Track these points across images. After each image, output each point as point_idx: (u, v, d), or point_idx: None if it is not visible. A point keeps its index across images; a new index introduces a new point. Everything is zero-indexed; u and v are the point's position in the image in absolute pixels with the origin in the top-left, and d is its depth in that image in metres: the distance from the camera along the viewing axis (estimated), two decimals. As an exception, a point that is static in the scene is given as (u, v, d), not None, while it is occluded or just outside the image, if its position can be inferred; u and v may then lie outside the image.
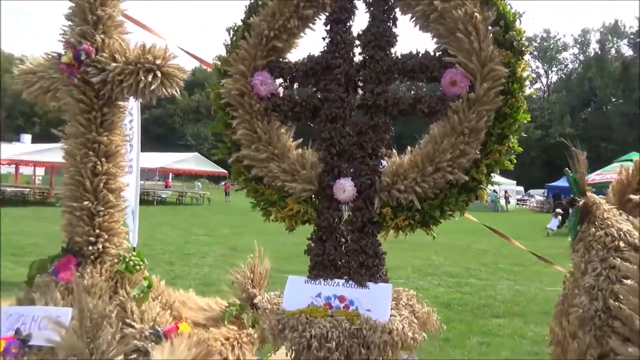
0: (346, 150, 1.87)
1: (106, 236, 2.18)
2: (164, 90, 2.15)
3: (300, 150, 1.97)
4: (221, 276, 10.01)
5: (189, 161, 29.79)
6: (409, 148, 1.88)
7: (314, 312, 1.70)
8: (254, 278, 2.56)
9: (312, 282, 1.85)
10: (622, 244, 1.47)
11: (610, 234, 1.50)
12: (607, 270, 1.43)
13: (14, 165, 27.87)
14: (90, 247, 2.13)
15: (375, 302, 1.72)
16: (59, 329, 1.57)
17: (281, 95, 1.98)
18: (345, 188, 1.83)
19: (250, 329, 2.43)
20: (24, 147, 26.58)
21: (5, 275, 7.49)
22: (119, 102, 2.25)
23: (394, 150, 1.89)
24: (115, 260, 2.20)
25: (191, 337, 2.03)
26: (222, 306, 2.60)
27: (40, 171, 33.11)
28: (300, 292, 1.84)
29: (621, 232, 1.51)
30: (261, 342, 2.49)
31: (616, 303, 1.28)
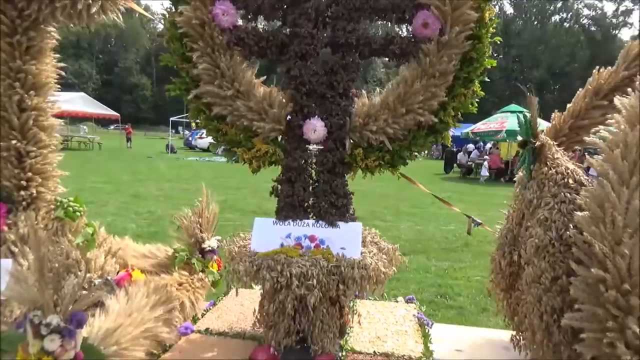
0: (316, 90, 1.82)
1: (39, 180, 1.93)
2: (103, 15, 1.90)
3: (265, 88, 1.88)
4: (126, 224, 9.55)
5: (75, 101, 26.94)
6: (377, 89, 1.89)
7: (288, 252, 1.70)
8: (202, 222, 2.47)
9: (281, 223, 1.84)
10: (570, 180, 1.66)
11: (560, 172, 1.68)
12: (559, 204, 1.62)
13: None
14: (22, 192, 1.88)
15: (347, 240, 1.76)
16: (15, 281, 1.39)
17: (244, 28, 1.85)
18: (316, 128, 1.80)
19: (200, 273, 2.38)
20: None
21: None
22: (48, 27, 1.94)
23: (363, 91, 1.89)
24: (52, 206, 1.98)
25: (147, 283, 1.93)
26: (166, 252, 2.50)
27: None
28: (269, 234, 1.82)
29: (569, 171, 1.70)
30: (213, 286, 2.46)
31: (574, 231, 1.46)
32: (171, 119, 31.57)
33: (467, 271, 4.80)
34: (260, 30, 1.85)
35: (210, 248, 2.46)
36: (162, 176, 18.06)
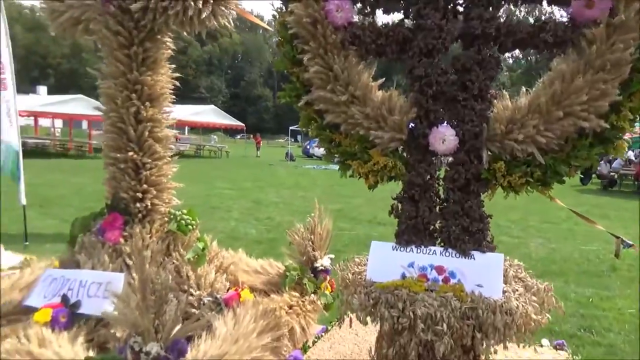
0: (444, 92, 1.53)
1: (154, 192, 1.91)
2: (214, 20, 1.81)
3: (383, 92, 1.63)
4: (247, 230, 9.95)
5: (206, 113, 29.39)
6: (523, 89, 1.53)
7: (411, 285, 1.43)
8: (314, 240, 2.30)
9: (402, 248, 1.57)
10: None
11: None
12: None
13: (33, 117, 27.87)
14: (138, 204, 1.87)
15: (484, 275, 1.44)
16: (117, 302, 1.32)
17: (360, 24, 1.62)
18: (445, 137, 1.50)
19: (312, 295, 2.21)
20: (41, 99, 26.42)
21: (32, 227, 7.44)
22: (163, 37, 1.92)
23: (504, 92, 1.55)
24: (166, 219, 1.95)
25: (256, 306, 1.80)
26: (278, 269, 2.37)
27: (59, 123, 33.14)
28: (388, 261, 1.56)
29: None
30: (325, 309, 2.27)
31: None
32: (290, 128, 32.85)
33: (616, 301, 4.03)
34: (379, 26, 1.61)
35: (323, 267, 2.28)
36: (281, 183, 18.78)
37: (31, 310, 1.74)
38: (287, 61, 1.67)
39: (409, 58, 1.57)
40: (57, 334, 1.53)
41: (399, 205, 1.64)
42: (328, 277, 2.31)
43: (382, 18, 1.67)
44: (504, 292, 1.41)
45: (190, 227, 1.95)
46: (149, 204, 1.89)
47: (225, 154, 30.56)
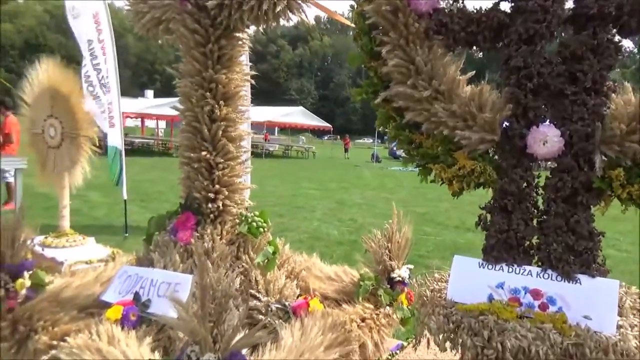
0: (548, 85, 1.30)
1: (226, 192, 1.87)
2: (289, 13, 1.72)
3: (473, 86, 1.43)
4: (329, 230, 9.91)
5: (295, 115, 30.09)
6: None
7: (500, 311, 1.22)
8: (392, 248, 2.13)
9: (491, 266, 1.36)
10: None
11: None
12: None
13: (140, 119, 30.45)
14: (210, 205, 1.83)
15: (593, 304, 1.19)
16: (177, 306, 1.27)
17: (448, 10, 1.44)
18: (546, 138, 1.27)
19: (387, 307, 2.05)
20: (148, 102, 28.79)
21: (131, 220, 8.01)
22: (238, 34, 1.87)
23: (626, 83, 1.28)
24: (237, 221, 1.90)
25: (325, 317, 1.68)
26: (352, 277, 2.24)
27: (162, 124, 35.93)
28: (473, 279, 1.36)
29: None
30: (402, 324, 2.10)
31: None
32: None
33: None
34: (469, 11, 1.42)
35: (401, 278, 2.11)
36: (366, 185, 18.63)
37: (107, 305, 1.77)
38: (364, 54, 1.53)
39: (505, 47, 1.35)
40: (126, 333, 1.53)
41: (488, 216, 1.43)
42: (405, 289, 2.13)
43: (472, 3, 1.47)
44: (618, 327, 1.16)
45: (261, 229, 1.89)
46: (220, 204, 1.85)
47: (312, 154, 31.06)
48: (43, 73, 2.58)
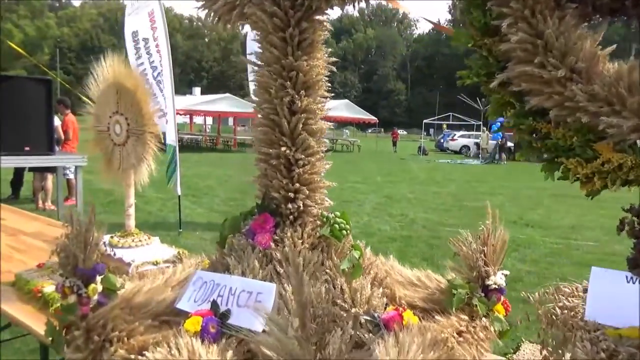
0: None
1: (307, 191, 1.70)
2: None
3: (619, 63, 1.18)
4: (380, 225, 9.63)
5: (340, 108, 29.90)
6: None
7: None
8: (487, 252, 1.90)
9: (644, 282, 1.11)
10: None
11: None
12: None
13: (189, 115, 31.20)
14: (290, 205, 1.67)
15: None
16: (270, 323, 1.11)
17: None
18: None
19: (483, 319, 1.82)
20: (195, 99, 29.45)
21: (184, 215, 8.08)
22: (320, 17, 1.69)
23: None
24: (318, 223, 1.73)
25: (423, 333, 1.49)
26: (438, 282, 2.03)
27: (210, 120, 36.73)
28: (619, 296, 1.12)
29: None
30: (499, 337, 1.87)
31: None
32: (424, 121, 31.84)
33: None
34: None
35: (497, 286, 1.88)
36: (414, 178, 18.18)
37: (182, 313, 1.65)
38: (474, 31, 1.31)
39: (663, 12, 1.10)
40: (207, 347, 1.40)
41: (635, 220, 1.18)
42: (502, 298, 1.90)
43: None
44: None
45: (344, 232, 1.71)
46: (301, 204, 1.68)
47: (357, 147, 30.76)
48: (108, 69, 2.50)
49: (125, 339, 1.57)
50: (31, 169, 8.95)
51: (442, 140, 34.55)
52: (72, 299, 1.67)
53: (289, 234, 1.64)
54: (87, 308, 1.70)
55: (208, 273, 1.69)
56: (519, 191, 14.83)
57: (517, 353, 1.86)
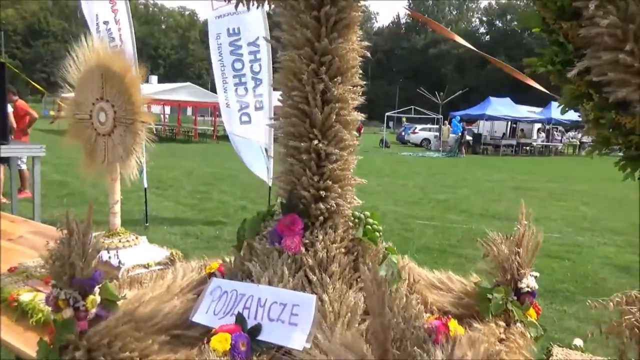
0: None
1: (339, 190, 1.53)
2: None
3: None
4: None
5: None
6: None
7: None
8: (521, 253, 1.80)
9: None
10: None
11: None
12: None
13: (146, 105, 29.94)
14: (321, 205, 1.50)
15: None
16: (348, 350, 0.94)
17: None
18: None
19: (518, 324, 1.73)
20: (152, 87, 28.34)
21: (151, 208, 7.69)
22: None
23: None
24: (350, 224, 1.57)
25: (474, 345, 1.36)
26: (462, 285, 1.92)
27: (167, 109, 35.56)
28: None
29: None
30: (534, 342, 1.79)
31: None
32: (387, 114, 32.10)
33: None
34: None
35: (530, 289, 1.79)
36: (379, 171, 18.21)
37: (194, 326, 1.45)
38: (548, 14, 1.19)
39: None
40: (240, 368, 1.21)
41: None
42: (534, 301, 1.81)
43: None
44: None
45: (378, 234, 1.55)
46: (332, 204, 1.51)
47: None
48: (91, 50, 2.23)
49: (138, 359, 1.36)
50: (-21, 159, 8.27)
51: (403, 133, 34.95)
52: (68, 313, 1.44)
53: (320, 237, 1.47)
54: (85, 323, 1.47)
55: (228, 281, 1.50)
56: (480, 184, 15.16)
57: (550, 359, 1.78)
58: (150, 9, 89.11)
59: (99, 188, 8.00)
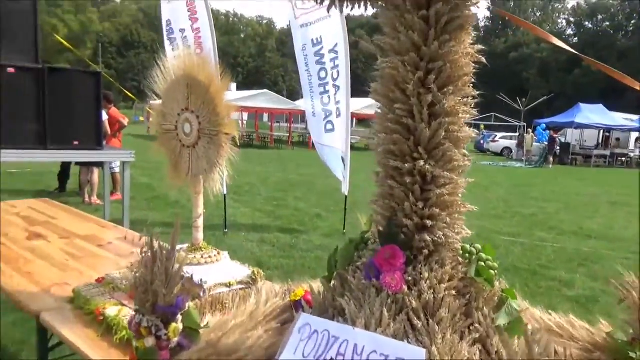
0: None
1: (447, 219, 1.31)
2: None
3: None
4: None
5: (376, 106, 29.31)
6: None
7: None
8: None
9: None
10: None
11: None
12: None
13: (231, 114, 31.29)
14: (426, 236, 1.29)
15: None
16: None
17: None
18: None
19: None
20: (232, 95, 29.43)
21: (229, 214, 7.83)
22: None
23: None
24: (459, 260, 1.34)
25: None
26: (587, 332, 1.61)
27: (245, 116, 36.84)
28: None
29: None
30: None
31: None
32: (464, 121, 30.88)
33: None
34: None
35: None
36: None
37: None
38: None
39: None
40: None
41: None
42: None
43: None
44: None
45: (493, 272, 1.31)
46: (439, 235, 1.29)
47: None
48: (178, 60, 2.18)
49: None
50: (77, 163, 8.91)
51: (482, 142, 33.48)
52: (150, 342, 1.34)
53: (425, 275, 1.26)
54: (167, 353, 1.37)
55: (318, 319, 1.33)
56: (571, 198, 13.98)
57: None
58: (231, 19, 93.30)
59: (182, 192, 8.32)
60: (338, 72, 7.10)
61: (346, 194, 7.53)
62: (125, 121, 9.71)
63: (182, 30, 7.31)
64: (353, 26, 66.09)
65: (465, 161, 1.33)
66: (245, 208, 9.37)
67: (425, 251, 1.30)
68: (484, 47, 1.34)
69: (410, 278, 1.27)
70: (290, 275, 5.49)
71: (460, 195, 1.36)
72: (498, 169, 22.33)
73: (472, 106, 1.33)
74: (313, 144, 7.83)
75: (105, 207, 7.17)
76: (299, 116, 37.77)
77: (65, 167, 9.66)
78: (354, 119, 36.48)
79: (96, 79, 6.28)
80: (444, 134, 1.28)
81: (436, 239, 1.29)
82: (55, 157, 6.54)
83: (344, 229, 7.71)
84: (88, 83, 6.22)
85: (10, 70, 5.57)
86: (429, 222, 1.29)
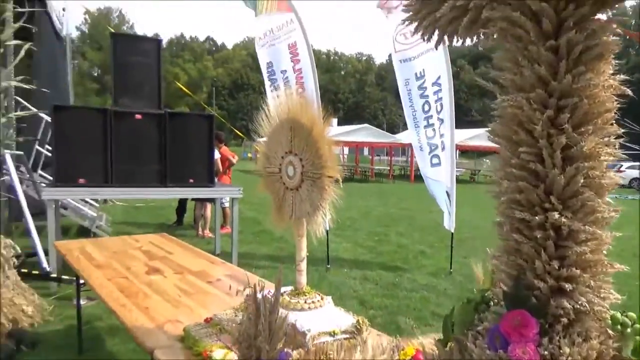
0: None
1: (590, 282, 1.10)
2: None
3: None
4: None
5: (480, 137, 28.11)
6: None
7: None
8: None
9: None
10: None
11: None
12: None
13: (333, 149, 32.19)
14: (565, 302, 1.09)
15: None
16: None
17: None
18: None
19: None
20: (333, 130, 30.16)
21: (331, 249, 7.80)
22: (611, 10, 1.12)
23: None
24: (610, 333, 1.11)
25: None
26: None
27: (346, 150, 37.46)
28: None
29: None
30: None
31: None
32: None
33: None
34: None
35: None
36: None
37: None
38: None
39: None
40: None
41: None
42: None
43: None
44: None
45: None
46: (581, 301, 1.08)
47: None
48: (282, 102, 2.21)
49: None
50: (193, 199, 9.57)
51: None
52: None
53: (566, 350, 1.05)
54: None
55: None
56: None
57: None
58: (332, 57, 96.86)
59: (288, 227, 8.53)
60: (441, 104, 6.93)
61: (452, 231, 7.15)
62: (235, 159, 10.31)
63: (284, 72, 7.66)
64: (454, 57, 64.86)
65: (610, 212, 1.11)
66: (347, 243, 9.31)
67: (564, 320, 1.10)
68: (628, 77, 1.14)
69: (546, 352, 1.07)
70: (394, 317, 5.25)
71: (604, 252, 1.14)
72: (629, 203, 19.87)
73: (617, 147, 1.12)
74: (414, 176, 7.65)
75: (216, 240, 7.58)
76: (399, 149, 37.49)
77: (183, 202, 10.45)
78: (458, 151, 35.26)
79: (209, 121, 6.76)
80: (582, 180, 1.09)
81: (578, 305, 1.09)
82: (173, 194, 7.09)
83: (450, 268, 7.28)
84: (202, 125, 6.73)
85: (138, 116, 6.22)
86: (567, 286, 1.09)
